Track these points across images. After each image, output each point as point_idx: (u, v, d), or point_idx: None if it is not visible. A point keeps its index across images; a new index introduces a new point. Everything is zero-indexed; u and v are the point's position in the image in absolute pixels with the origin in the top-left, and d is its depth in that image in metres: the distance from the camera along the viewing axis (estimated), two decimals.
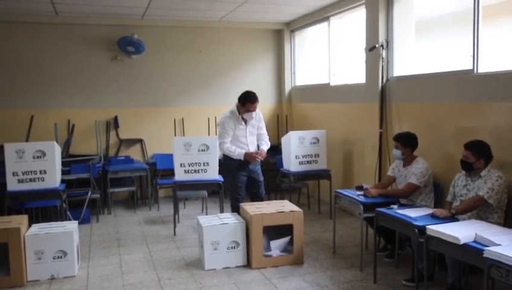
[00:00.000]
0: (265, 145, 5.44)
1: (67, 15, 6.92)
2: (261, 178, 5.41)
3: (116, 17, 7.14)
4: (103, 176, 6.75)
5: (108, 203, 6.77)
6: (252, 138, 5.33)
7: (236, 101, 5.27)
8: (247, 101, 5.14)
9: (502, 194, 3.61)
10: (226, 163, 5.33)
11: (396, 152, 4.48)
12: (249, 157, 5.16)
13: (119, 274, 4.40)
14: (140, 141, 7.62)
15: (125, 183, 7.07)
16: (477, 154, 3.70)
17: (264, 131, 5.48)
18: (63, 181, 5.55)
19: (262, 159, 5.29)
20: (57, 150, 5.34)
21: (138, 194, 7.33)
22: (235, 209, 5.07)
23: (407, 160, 4.46)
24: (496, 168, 3.76)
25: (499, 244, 2.81)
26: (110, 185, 6.65)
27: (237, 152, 5.17)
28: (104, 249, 5.14)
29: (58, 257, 4.30)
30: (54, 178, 5.20)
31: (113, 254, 4.97)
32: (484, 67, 4.23)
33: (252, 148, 5.29)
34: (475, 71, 4.27)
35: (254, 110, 5.16)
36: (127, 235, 5.66)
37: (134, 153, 7.54)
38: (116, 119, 7.43)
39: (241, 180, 5.25)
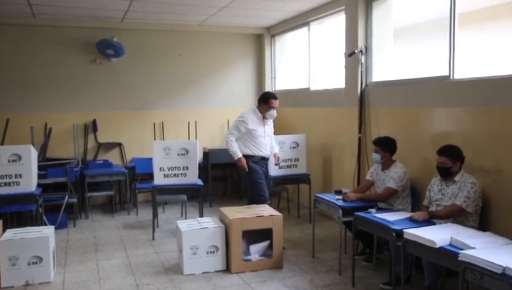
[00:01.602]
0: (276, 147, 5.63)
1: (45, 17, 6.83)
2: (270, 181, 5.56)
3: (95, 20, 7.07)
4: (81, 180, 6.65)
5: (85, 207, 6.67)
6: (268, 139, 5.40)
7: (256, 103, 5.41)
8: (270, 98, 5.24)
9: (477, 200, 3.68)
10: (247, 163, 5.24)
11: (376, 156, 4.53)
12: (240, 163, 5.18)
13: (96, 280, 4.33)
14: (119, 144, 7.54)
15: (104, 187, 6.99)
16: (453, 158, 3.77)
17: (273, 135, 5.61)
18: (39, 185, 5.45)
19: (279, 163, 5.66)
20: (33, 153, 5.24)
21: (117, 198, 7.24)
22: None
23: (386, 164, 4.52)
24: (471, 173, 3.83)
25: (474, 248, 2.86)
26: (87, 189, 6.55)
27: (235, 149, 5.19)
28: (81, 255, 5.06)
29: (33, 263, 4.21)
30: (29, 182, 5.10)
31: (90, 260, 4.90)
32: (460, 74, 4.31)
33: (269, 149, 5.39)
34: (451, 77, 4.35)
35: (277, 106, 5.26)
36: (105, 240, 5.58)
37: (113, 157, 7.46)
38: (94, 122, 7.34)
39: (262, 177, 5.25)
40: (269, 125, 5.42)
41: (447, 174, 3.81)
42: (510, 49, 4.25)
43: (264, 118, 5.28)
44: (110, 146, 7.51)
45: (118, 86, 7.50)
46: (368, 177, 4.78)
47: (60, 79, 7.19)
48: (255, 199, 5.17)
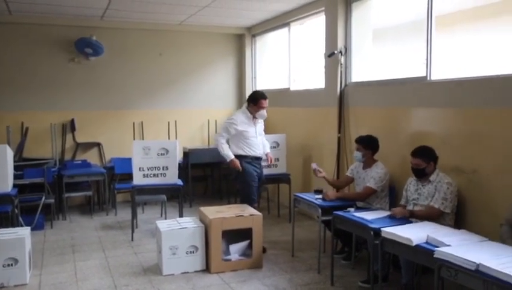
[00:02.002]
0: (267, 145, 5.55)
1: (22, 14, 6.71)
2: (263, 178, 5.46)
3: (73, 18, 6.98)
4: (58, 181, 6.55)
5: (63, 208, 6.57)
6: (260, 138, 5.31)
7: (245, 104, 5.29)
8: (260, 98, 5.13)
9: (454, 200, 3.76)
10: (240, 163, 5.15)
11: (357, 154, 4.57)
12: (233, 165, 5.11)
13: (74, 281, 4.27)
14: (98, 144, 7.46)
15: (82, 187, 6.90)
16: (427, 159, 3.83)
17: (264, 134, 5.53)
18: (15, 186, 5.33)
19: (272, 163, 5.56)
20: (9, 153, 5.14)
21: (95, 199, 7.16)
22: None
23: (367, 163, 4.56)
24: (447, 172, 3.90)
25: (449, 245, 2.91)
26: (65, 189, 6.45)
27: (226, 152, 5.12)
28: (58, 256, 4.98)
29: (8, 265, 4.13)
30: (5, 183, 4.99)
31: (68, 261, 4.83)
32: (437, 75, 4.39)
33: (262, 149, 5.31)
34: (428, 78, 4.42)
35: (266, 106, 5.16)
36: (83, 241, 5.51)
37: (91, 157, 7.37)
38: (72, 122, 7.24)
39: (255, 180, 5.15)
40: (260, 124, 5.34)
41: (421, 175, 3.87)
42: (486, 51, 4.33)
43: (254, 117, 5.20)
44: (88, 146, 7.41)
45: (97, 85, 7.41)
46: (348, 173, 4.83)
47: (37, 78, 7.08)
48: (247, 201, 5.10)
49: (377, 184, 4.38)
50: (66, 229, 6.08)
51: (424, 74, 4.45)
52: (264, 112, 5.17)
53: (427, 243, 3.07)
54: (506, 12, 4.52)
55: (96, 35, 7.17)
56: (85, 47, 7.12)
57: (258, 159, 5.25)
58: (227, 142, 5.23)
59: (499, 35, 4.23)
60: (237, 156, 5.14)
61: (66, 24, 7.06)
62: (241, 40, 8.31)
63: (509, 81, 3.61)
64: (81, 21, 7.07)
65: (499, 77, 3.72)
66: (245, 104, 5.30)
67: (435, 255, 2.83)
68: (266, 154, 5.44)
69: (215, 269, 4.44)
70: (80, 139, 7.33)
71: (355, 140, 4.64)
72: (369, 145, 4.54)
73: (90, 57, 7.26)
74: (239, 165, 5.09)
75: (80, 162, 7.03)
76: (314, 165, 4.92)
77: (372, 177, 4.43)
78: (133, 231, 5.62)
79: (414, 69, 4.65)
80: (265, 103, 5.14)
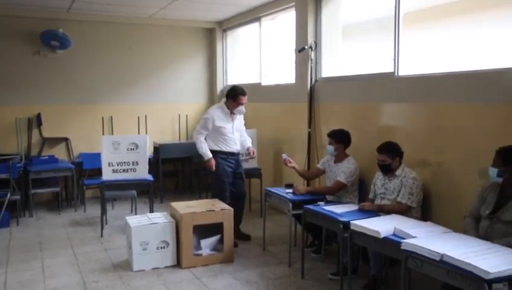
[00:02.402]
0: (249, 140, 5.47)
1: None
2: (244, 173, 5.39)
3: (39, 10, 6.79)
4: (24, 177, 6.39)
5: (29, 205, 6.41)
6: (237, 135, 5.26)
7: (224, 98, 5.21)
8: (239, 94, 5.06)
9: (419, 194, 3.86)
10: (214, 157, 5.14)
11: (330, 148, 4.61)
12: (209, 164, 5.08)
13: (41, 279, 4.19)
14: (65, 139, 7.30)
15: (49, 184, 6.73)
16: (392, 155, 3.92)
17: (244, 128, 5.48)
18: None
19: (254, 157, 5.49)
20: None
21: (63, 195, 7.02)
22: None
23: (339, 157, 4.61)
24: (414, 166, 4.00)
25: (415, 237, 2.98)
26: (32, 186, 6.30)
27: (204, 150, 5.08)
28: (25, 253, 4.87)
29: None
30: None
31: (35, 258, 4.73)
32: (404, 71, 4.48)
33: (239, 144, 5.26)
34: (396, 74, 4.51)
35: (245, 102, 5.11)
36: (50, 238, 5.40)
37: (59, 152, 7.21)
38: (39, 116, 7.07)
39: (227, 176, 5.12)
40: (238, 119, 5.28)
41: (387, 170, 3.96)
42: (452, 48, 4.45)
43: (232, 113, 5.14)
44: (56, 141, 7.25)
45: (64, 79, 7.25)
46: (319, 165, 4.89)
47: (0, 71, 6.86)
48: (218, 196, 5.08)
49: (348, 179, 4.45)
50: (32, 226, 5.94)
51: (392, 70, 4.53)
52: (242, 108, 5.13)
53: (394, 235, 3.14)
54: (471, 10, 4.64)
55: (63, 28, 7.00)
56: (51, 40, 6.94)
57: (234, 155, 5.22)
58: (209, 137, 5.18)
59: (465, 33, 4.34)
60: (212, 152, 5.12)
61: (31, 16, 6.86)
62: (212, 34, 8.27)
63: (473, 77, 3.72)
64: (47, 13, 6.89)
65: (463, 73, 3.83)
66: (223, 99, 5.25)
67: (401, 247, 2.90)
68: (248, 149, 5.40)
69: (186, 264, 4.43)
70: (47, 134, 7.17)
71: (328, 134, 4.68)
72: (341, 139, 4.59)
73: (57, 50, 7.09)
74: (213, 166, 5.07)
75: (46, 157, 6.87)
76: (284, 156, 4.97)
77: (343, 171, 4.49)
78: (102, 227, 5.54)
79: (382, 65, 4.73)
80: (245, 99, 5.09)
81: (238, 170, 5.28)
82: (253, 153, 5.42)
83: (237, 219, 5.20)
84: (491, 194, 3.18)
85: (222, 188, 5.13)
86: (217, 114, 5.13)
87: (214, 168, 5.09)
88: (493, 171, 3.09)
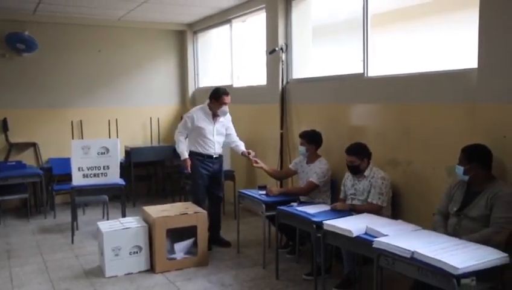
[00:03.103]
0: (242, 144, 5.33)
1: None
2: (222, 178, 5.37)
3: (3, 11, 6.60)
4: None
5: None
6: (219, 138, 5.16)
7: (207, 100, 5.11)
8: (222, 94, 4.99)
9: (389, 193, 3.94)
10: (190, 157, 5.10)
11: (301, 149, 4.64)
12: (184, 164, 5.05)
13: (9, 288, 4.08)
14: (33, 144, 7.13)
15: (17, 190, 6.54)
16: (361, 156, 3.98)
17: (235, 132, 5.36)
18: None
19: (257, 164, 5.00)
20: None
21: (32, 201, 6.85)
22: None
23: (311, 158, 4.65)
24: (384, 164, 4.07)
25: (387, 235, 3.03)
26: None
27: (181, 149, 5.04)
28: None
29: None
30: None
31: (2, 267, 4.60)
32: (373, 71, 4.55)
33: (218, 148, 5.17)
34: (365, 75, 4.58)
35: (229, 102, 5.03)
36: (19, 246, 5.26)
37: (26, 158, 7.04)
38: (5, 121, 6.88)
39: (202, 178, 5.06)
40: (221, 123, 5.15)
41: (356, 171, 4.02)
42: (419, 49, 4.54)
43: (215, 115, 5.06)
44: (23, 146, 7.07)
45: (31, 83, 7.08)
46: (291, 166, 4.91)
47: None
48: (194, 199, 5.09)
49: (320, 179, 4.49)
50: (0, 234, 5.77)
51: (362, 71, 4.60)
52: (225, 108, 5.04)
53: (366, 233, 3.19)
54: (437, 12, 4.75)
55: (29, 30, 6.84)
56: (17, 42, 6.78)
57: (211, 158, 5.12)
58: (189, 137, 5.15)
59: (432, 34, 4.44)
60: (190, 152, 5.10)
61: None
62: (182, 36, 8.22)
63: (439, 77, 3.81)
64: (12, 15, 6.70)
65: (431, 73, 3.92)
66: (207, 101, 5.13)
67: (373, 245, 2.94)
68: (242, 153, 5.22)
69: (160, 268, 4.38)
70: (14, 139, 6.98)
71: (300, 135, 4.71)
72: (312, 140, 4.63)
73: (23, 53, 6.92)
74: (189, 166, 5.03)
75: (14, 163, 6.69)
76: (252, 154, 4.99)
77: (315, 172, 4.52)
78: (73, 234, 5.43)
79: (352, 66, 4.79)
80: (228, 99, 5.03)
81: (216, 175, 5.20)
82: (250, 153, 5.12)
83: (215, 225, 5.20)
84: (458, 192, 3.25)
85: (196, 190, 5.10)
86: (199, 114, 5.07)
87: (189, 169, 5.04)
88: (459, 170, 3.17)
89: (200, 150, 5.08)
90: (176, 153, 7.36)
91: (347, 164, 4.03)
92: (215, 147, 5.13)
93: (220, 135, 5.17)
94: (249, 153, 5.12)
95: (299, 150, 4.73)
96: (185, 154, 5.05)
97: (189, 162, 5.05)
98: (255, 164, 4.94)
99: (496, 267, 2.58)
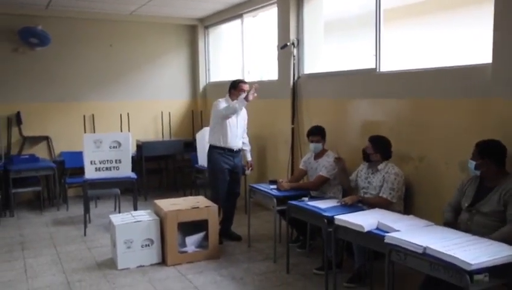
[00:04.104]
0: (248, 146, 5.46)
1: None
2: (241, 173, 5.34)
3: (17, 6, 6.67)
4: (4, 176, 6.29)
5: (10, 204, 6.31)
6: (240, 131, 5.14)
7: (227, 93, 5.12)
8: (239, 82, 5.05)
9: (401, 189, 3.93)
10: (210, 152, 5.07)
11: (317, 145, 4.64)
12: (249, 95, 4.76)
13: (24, 279, 4.14)
14: (46, 138, 7.21)
15: (30, 183, 6.64)
16: (375, 148, 3.99)
17: (246, 132, 5.38)
18: None
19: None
20: None
21: (45, 194, 6.93)
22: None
23: (319, 153, 4.66)
24: (397, 160, 4.06)
25: (398, 230, 3.03)
26: (12, 185, 6.21)
27: (234, 105, 4.83)
28: (6, 254, 4.81)
29: None
30: None
31: (17, 259, 4.67)
32: (386, 66, 4.54)
33: (239, 141, 5.15)
34: (377, 70, 4.56)
35: (247, 88, 4.93)
36: (32, 238, 5.33)
37: (39, 151, 7.11)
38: (18, 115, 6.96)
39: (223, 173, 5.01)
40: (242, 116, 5.15)
41: (365, 158, 4.07)
42: (432, 44, 4.51)
43: None
44: (36, 140, 7.15)
45: (44, 77, 7.14)
46: (300, 166, 4.91)
47: None
48: (212, 194, 5.07)
49: (329, 172, 4.49)
50: (14, 226, 5.86)
51: (374, 66, 4.59)
52: (244, 96, 4.86)
53: (377, 229, 3.19)
54: (451, 7, 4.72)
55: (42, 24, 6.90)
56: (30, 37, 6.84)
57: (232, 151, 5.07)
58: (212, 130, 5.11)
59: (445, 29, 4.41)
60: (211, 147, 5.07)
61: (9, 12, 6.73)
62: (193, 31, 8.24)
63: (452, 73, 3.79)
64: (25, 10, 6.76)
65: (444, 69, 3.89)
66: (226, 95, 5.12)
67: (385, 241, 2.94)
68: (247, 163, 5.41)
69: (172, 261, 4.42)
70: (27, 132, 7.06)
71: (312, 132, 4.67)
72: (324, 135, 4.65)
73: (36, 48, 6.98)
74: (251, 93, 4.76)
75: (27, 156, 6.77)
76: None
77: (324, 166, 4.53)
78: (85, 226, 5.49)
79: (364, 61, 4.78)
80: (246, 86, 4.99)
81: (236, 169, 5.15)
82: (251, 166, 5.48)
83: (228, 218, 5.20)
84: (470, 187, 3.25)
85: (216, 185, 5.04)
86: (224, 105, 5.00)
87: (255, 93, 4.78)
88: (471, 164, 3.17)
89: (222, 143, 5.01)
90: (187, 147, 7.46)
91: (364, 148, 4.07)
92: (237, 139, 5.10)
93: (240, 129, 5.14)
94: (251, 166, 5.46)
95: (312, 148, 4.69)
96: (242, 100, 4.80)
97: (250, 93, 4.78)
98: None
99: (509, 264, 2.57)
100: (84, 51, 7.39)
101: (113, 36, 7.59)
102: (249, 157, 5.49)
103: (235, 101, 4.92)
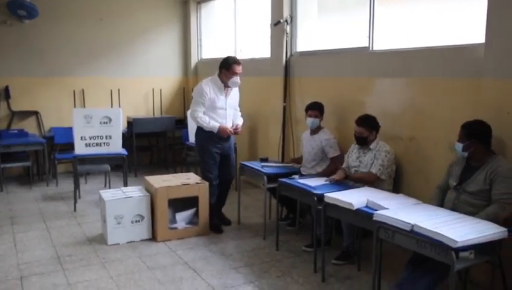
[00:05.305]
0: (240, 120, 4.96)
1: None
2: (233, 155, 5.02)
3: None
4: None
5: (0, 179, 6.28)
6: (230, 112, 4.79)
7: (217, 70, 4.73)
8: (232, 63, 4.61)
9: (391, 167, 3.95)
10: (198, 136, 4.79)
11: (315, 120, 4.57)
12: (223, 132, 4.62)
13: (13, 253, 4.14)
14: (35, 113, 7.13)
15: (19, 158, 6.60)
16: (370, 128, 3.98)
17: (239, 111, 4.98)
18: None
19: (238, 134, 4.86)
20: None
21: (34, 170, 6.89)
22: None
23: (315, 129, 4.64)
24: (387, 139, 4.07)
25: (387, 208, 3.06)
26: (1, 160, 6.17)
27: (211, 124, 4.60)
28: None
29: None
30: None
31: (6, 233, 4.66)
32: (379, 45, 4.51)
33: (230, 123, 4.79)
34: (370, 48, 4.54)
35: (240, 72, 4.65)
36: (22, 213, 5.32)
37: (28, 126, 7.04)
38: (6, 89, 6.86)
39: (212, 157, 4.71)
40: (232, 96, 4.81)
41: (363, 142, 4.02)
42: (425, 23, 4.49)
43: (226, 86, 4.69)
44: (25, 115, 7.07)
45: (33, 50, 7.02)
46: (301, 148, 4.90)
47: None
48: (204, 176, 4.79)
49: (337, 151, 4.57)
50: (3, 200, 5.83)
51: (367, 45, 4.56)
52: (237, 79, 4.66)
53: (367, 207, 3.22)
54: None
55: None
56: (18, 9, 6.70)
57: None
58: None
59: (439, 7, 4.38)
60: (198, 128, 4.77)
61: None
62: (186, 6, 8.12)
63: (445, 52, 3.78)
64: None
65: (437, 48, 3.88)
66: (216, 72, 4.76)
67: (374, 218, 2.97)
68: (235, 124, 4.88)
69: (162, 237, 4.44)
70: (16, 107, 6.98)
71: (311, 107, 4.60)
72: (322, 110, 4.63)
73: (24, 20, 6.85)
74: (228, 130, 4.67)
75: (16, 131, 6.71)
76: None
77: (330, 146, 4.53)
78: (75, 202, 5.48)
79: (357, 40, 4.75)
80: (239, 68, 4.63)
81: (227, 152, 4.84)
82: (237, 127, 4.81)
83: (221, 202, 4.99)
84: (457, 167, 3.27)
85: (206, 169, 4.78)
86: (210, 85, 4.67)
87: (230, 131, 4.68)
88: (459, 147, 3.17)
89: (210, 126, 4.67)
90: (178, 125, 7.41)
91: (355, 134, 4.03)
92: (227, 121, 4.75)
93: (231, 109, 4.82)
94: (236, 127, 4.81)
95: (309, 123, 4.59)
96: (215, 126, 4.62)
97: (227, 128, 4.66)
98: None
99: (494, 242, 2.61)
100: (74, 25, 7.25)
101: (103, 10, 7.45)
102: (237, 122, 4.94)
103: (212, 124, 4.61)
